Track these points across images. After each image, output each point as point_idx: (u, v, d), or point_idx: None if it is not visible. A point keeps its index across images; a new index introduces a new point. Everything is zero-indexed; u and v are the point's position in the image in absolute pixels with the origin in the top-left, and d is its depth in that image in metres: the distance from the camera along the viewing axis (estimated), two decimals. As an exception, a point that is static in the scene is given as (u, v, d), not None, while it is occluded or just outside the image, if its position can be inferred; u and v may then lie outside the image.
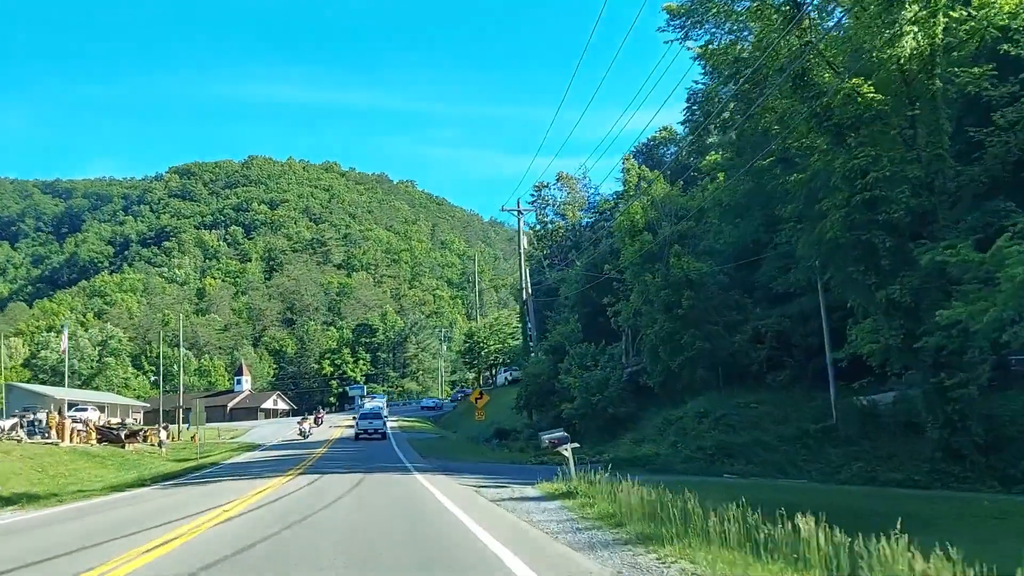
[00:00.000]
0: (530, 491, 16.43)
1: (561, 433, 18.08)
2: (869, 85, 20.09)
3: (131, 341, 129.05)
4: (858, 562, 6.14)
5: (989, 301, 15.37)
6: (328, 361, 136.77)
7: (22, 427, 38.39)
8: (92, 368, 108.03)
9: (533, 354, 44.52)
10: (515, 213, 47.40)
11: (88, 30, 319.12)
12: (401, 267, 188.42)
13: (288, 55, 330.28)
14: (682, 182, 36.94)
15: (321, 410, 63.81)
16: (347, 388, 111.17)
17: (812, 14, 22.62)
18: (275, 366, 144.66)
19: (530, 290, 47.20)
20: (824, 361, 29.07)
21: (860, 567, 6.08)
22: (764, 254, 30.34)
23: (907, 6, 18.60)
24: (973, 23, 19.55)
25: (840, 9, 23.09)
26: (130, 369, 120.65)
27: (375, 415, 48.64)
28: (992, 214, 19.32)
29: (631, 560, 7.92)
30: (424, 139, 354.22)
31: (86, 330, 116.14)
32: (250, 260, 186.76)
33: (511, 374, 73.49)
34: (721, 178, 33.37)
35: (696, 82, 37.56)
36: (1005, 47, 19.88)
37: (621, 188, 57.52)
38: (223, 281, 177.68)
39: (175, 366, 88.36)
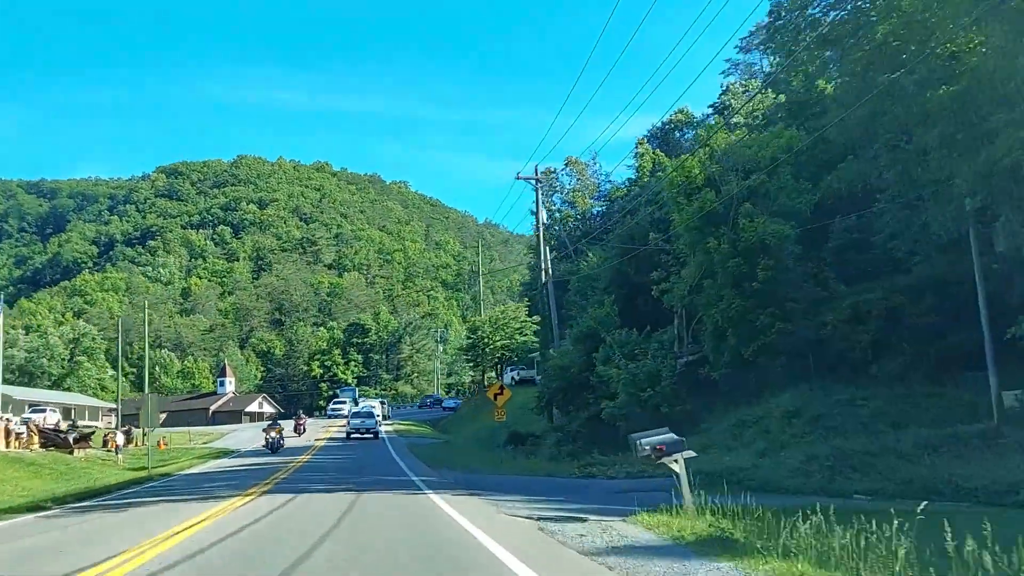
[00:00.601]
0: (635, 531, 9.83)
1: (670, 435, 11.48)
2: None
3: (110, 341, 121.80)
4: None
5: None
6: (317, 362, 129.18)
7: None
8: (63, 368, 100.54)
9: (557, 344, 37.74)
10: (532, 182, 40.93)
11: (75, 29, 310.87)
12: (394, 268, 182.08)
13: (279, 57, 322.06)
14: (746, 130, 30.46)
15: (302, 415, 56.09)
16: (338, 391, 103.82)
17: None
18: (263, 368, 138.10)
19: (550, 271, 40.61)
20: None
21: None
22: (872, 207, 23.86)
23: None
24: None
25: None
26: (108, 371, 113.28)
27: (367, 414, 49.24)
28: None
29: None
30: (417, 142, 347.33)
31: (58, 327, 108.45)
32: (237, 259, 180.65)
33: (519, 373, 67.23)
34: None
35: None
36: None
37: (633, 175, 52.16)
38: (209, 281, 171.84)
39: (156, 367, 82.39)
